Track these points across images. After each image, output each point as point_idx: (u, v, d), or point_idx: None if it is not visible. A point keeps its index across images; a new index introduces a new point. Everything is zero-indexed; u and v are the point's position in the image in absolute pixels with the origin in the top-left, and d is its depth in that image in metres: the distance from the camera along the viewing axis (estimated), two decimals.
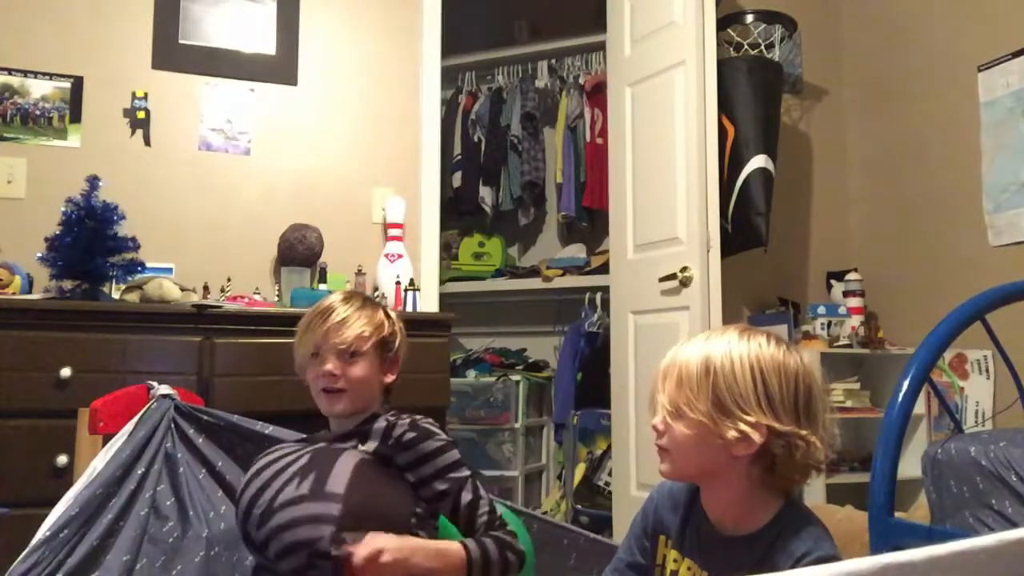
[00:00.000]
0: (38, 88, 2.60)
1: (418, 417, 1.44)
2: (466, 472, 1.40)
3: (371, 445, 1.40)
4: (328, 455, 1.38)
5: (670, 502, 1.21)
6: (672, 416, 1.09)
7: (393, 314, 1.56)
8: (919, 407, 3.03)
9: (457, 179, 4.08)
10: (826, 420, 1.08)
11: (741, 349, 1.07)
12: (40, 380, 2.03)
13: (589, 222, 4.00)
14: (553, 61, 4.12)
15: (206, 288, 2.52)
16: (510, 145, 4.04)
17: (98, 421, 1.59)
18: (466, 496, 1.37)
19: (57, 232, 2.20)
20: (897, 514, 1.68)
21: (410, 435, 1.38)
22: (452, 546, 1.30)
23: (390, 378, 1.52)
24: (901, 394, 1.67)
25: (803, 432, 1.04)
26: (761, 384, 1.05)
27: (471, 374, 3.89)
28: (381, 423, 1.41)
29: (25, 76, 2.59)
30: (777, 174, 3.26)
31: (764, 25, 3.40)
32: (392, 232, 2.86)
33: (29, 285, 2.32)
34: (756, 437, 1.03)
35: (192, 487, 1.58)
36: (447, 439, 1.42)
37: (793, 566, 1.02)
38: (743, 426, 1.03)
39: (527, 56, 4.14)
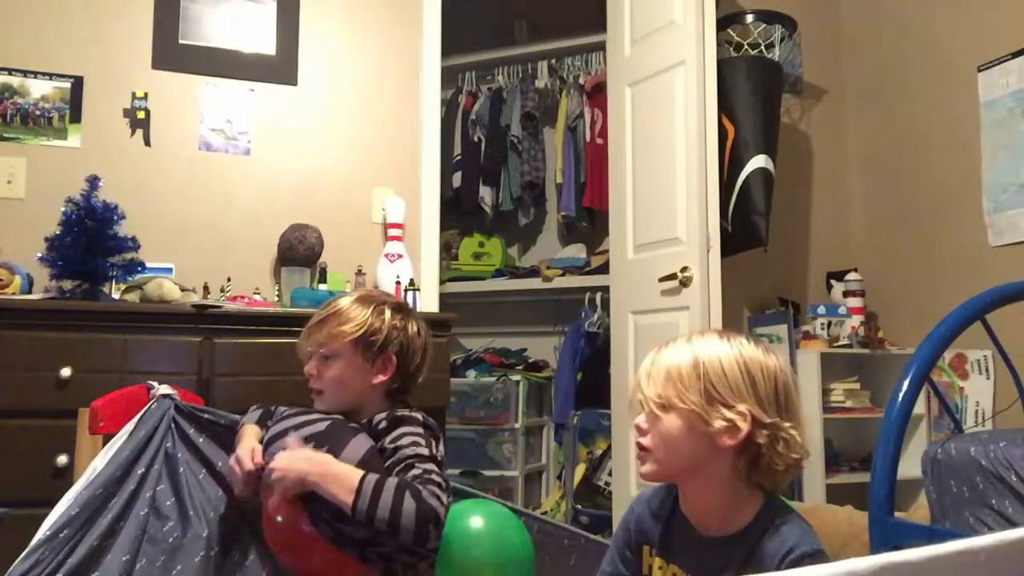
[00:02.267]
0: (38, 88, 2.60)
1: (406, 412, 1.44)
2: (417, 450, 1.33)
3: None
4: (344, 431, 1.38)
5: (649, 511, 1.22)
6: (661, 409, 1.11)
7: (390, 313, 1.51)
8: (919, 407, 3.03)
9: (457, 179, 4.08)
10: (802, 418, 1.14)
11: (725, 348, 1.12)
12: (40, 380, 2.03)
13: (589, 222, 4.00)
14: (553, 61, 4.12)
15: (206, 288, 2.52)
16: (510, 145, 4.04)
17: (98, 421, 1.59)
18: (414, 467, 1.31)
19: (57, 232, 2.20)
20: (897, 514, 1.68)
21: (384, 424, 1.40)
22: (354, 471, 1.28)
23: (380, 378, 1.48)
24: (901, 394, 1.67)
25: (785, 424, 1.09)
26: (747, 376, 1.10)
27: (471, 374, 3.89)
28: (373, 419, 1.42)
29: (25, 76, 2.59)
30: (777, 174, 3.26)
31: (764, 25, 3.41)
32: (392, 232, 2.86)
33: (29, 285, 2.32)
34: (743, 425, 1.07)
35: (192, 487, 1.57)
36: (418, 429, 1.39)
37: (780, 562, 1.04)
38: (731, 414, 1.08)
39: (527, 56, 4.14)
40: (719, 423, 1.07)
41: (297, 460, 1.30)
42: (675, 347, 1.14)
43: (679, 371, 1.10)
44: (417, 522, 1.23)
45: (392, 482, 1.26)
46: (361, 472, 1.28)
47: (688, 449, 1.10)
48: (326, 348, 1.47)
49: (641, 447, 1.14)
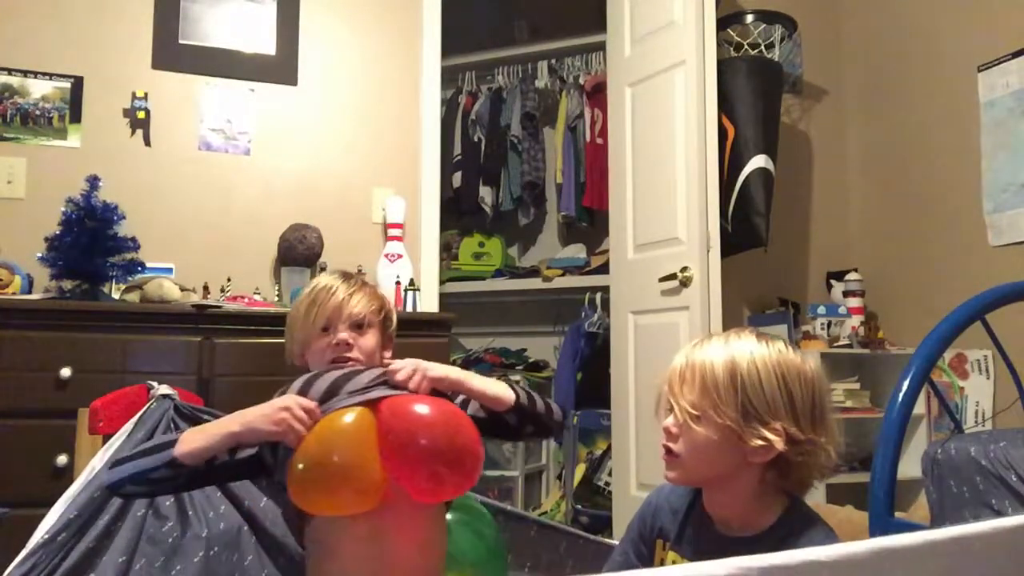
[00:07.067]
0: (38, 88, 2.60)
1: None
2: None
3: None
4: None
5: (668, 506, 1.21)
6: (695, 420, 1.08)
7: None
8: (919, 407, 3.03)
9: (457, 179, 4.08)
10: (834, 427, 1.11)
11: (764, 354, 1.08)
12: (40, 380, 2.03)
13: (589, 222, 3.99)
14: (553, 61, 4.12)
15: (206, 288, 2.52)
16: (510, 145, 4.04)
17: (98, 421, 1.59)
18: None
19: (57, 232, 2.21)
20: (897, 514, 1.68)
21: None
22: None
23: (387, 355, 1.57)
24: (901, 394, 1.67)
25: (820, 440, 1.07)
26: (786, 392, 1.07)
27: None
28: None
29: (25, 76, 2.59)
30: (777, 174, 3.26)
31: (764, 25, 3.40)
32: (392, 232, 2.86)
33: (29, 285, 2.32)
34: (779, 445, 1.05)
35: None
36: None
37: None
38: (767, 432, 1.05)
39: (527, 56, 4.14)
40: (755, 442, 1.05)
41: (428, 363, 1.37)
42: (711, 347, 1.10)
43: (715, 380, 1.07)
44: (557, 411, 1.54)
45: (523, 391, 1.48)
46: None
47: (718, 461, 1.08)
48: (367, 315, 1.51)
49: (669, 451, 1.12)
